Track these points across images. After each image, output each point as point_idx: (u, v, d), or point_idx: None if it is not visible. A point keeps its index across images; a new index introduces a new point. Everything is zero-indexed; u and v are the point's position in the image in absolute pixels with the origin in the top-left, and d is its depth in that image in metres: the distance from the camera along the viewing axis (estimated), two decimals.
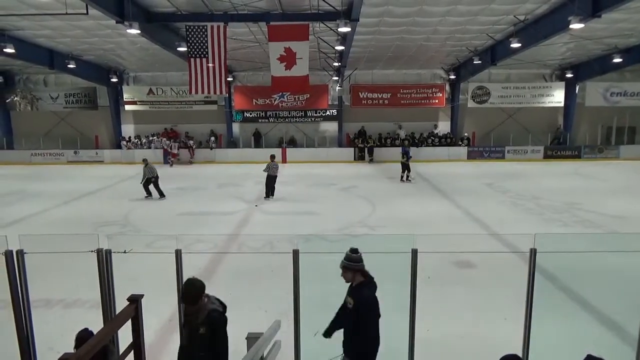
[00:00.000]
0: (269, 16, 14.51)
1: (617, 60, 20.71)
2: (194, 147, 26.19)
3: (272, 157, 15.30)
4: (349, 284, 4.09)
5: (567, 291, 7.11)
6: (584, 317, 6.29)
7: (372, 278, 4.07)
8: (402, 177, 18.44)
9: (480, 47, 20.74)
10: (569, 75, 25.57)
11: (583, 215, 12.27)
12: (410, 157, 18.35)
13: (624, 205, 13.30)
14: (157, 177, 15.17)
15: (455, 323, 6.10)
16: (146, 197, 15.10)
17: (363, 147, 26.25)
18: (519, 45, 16.67)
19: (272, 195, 15.09)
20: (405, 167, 18.36)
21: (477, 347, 5.47)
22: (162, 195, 15.17)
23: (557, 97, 26.42)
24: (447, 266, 8.02)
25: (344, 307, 4.19)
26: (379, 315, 4.04)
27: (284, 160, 25.91)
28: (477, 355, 5.26)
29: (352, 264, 4.00)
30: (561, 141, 26.93)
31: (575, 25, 12.87)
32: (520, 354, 3.91)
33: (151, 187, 15.14)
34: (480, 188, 16.78)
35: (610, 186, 14.03)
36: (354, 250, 4.05)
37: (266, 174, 15.00)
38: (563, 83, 26.25)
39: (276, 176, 15.13)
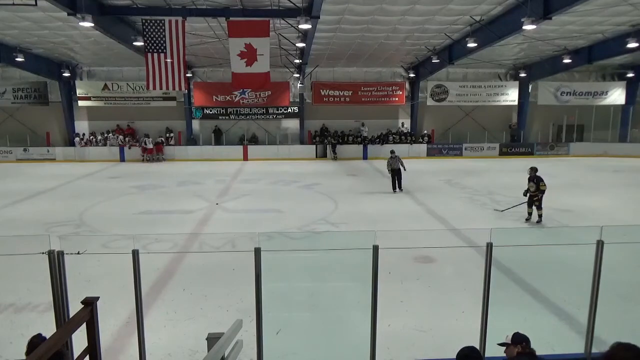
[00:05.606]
0: (229, 11, 14.29)
1: (566, 61, 21.67)
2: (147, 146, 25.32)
3: (392, 152, 15.98)
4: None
5: (521, 283, 7.37)
6: (537, 307, 6.53)
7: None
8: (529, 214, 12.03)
9: (438, 47, 21.18)
10: (522, 74, 26.52)
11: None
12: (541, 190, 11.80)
13: (573, 200, 13.91)
14: None
15: (415, 317, 6.21)
16: None
17: (331, 144, 26.26)
18: (475, 45, 17.15)
19: (400, 189, 15.41)
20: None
21: (437, 340, 5.59)
22: None
23: (511, 96, 27.39)
24: (407, 261, 8.14)
25: None
26: None
27: (245, 158, 25.73)
28: (436, 348, 5.37)
29: None
30: (515, 139, 27.92)
31: (528, 27, 13.37)
32: (477, 346, 4.03)
33: None
34: (439, 184, 17.16)
35: (560, 182, 14.68)
36: None
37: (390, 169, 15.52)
38: (517, 82, 27.23)
39: (399, 169, 15.39)
